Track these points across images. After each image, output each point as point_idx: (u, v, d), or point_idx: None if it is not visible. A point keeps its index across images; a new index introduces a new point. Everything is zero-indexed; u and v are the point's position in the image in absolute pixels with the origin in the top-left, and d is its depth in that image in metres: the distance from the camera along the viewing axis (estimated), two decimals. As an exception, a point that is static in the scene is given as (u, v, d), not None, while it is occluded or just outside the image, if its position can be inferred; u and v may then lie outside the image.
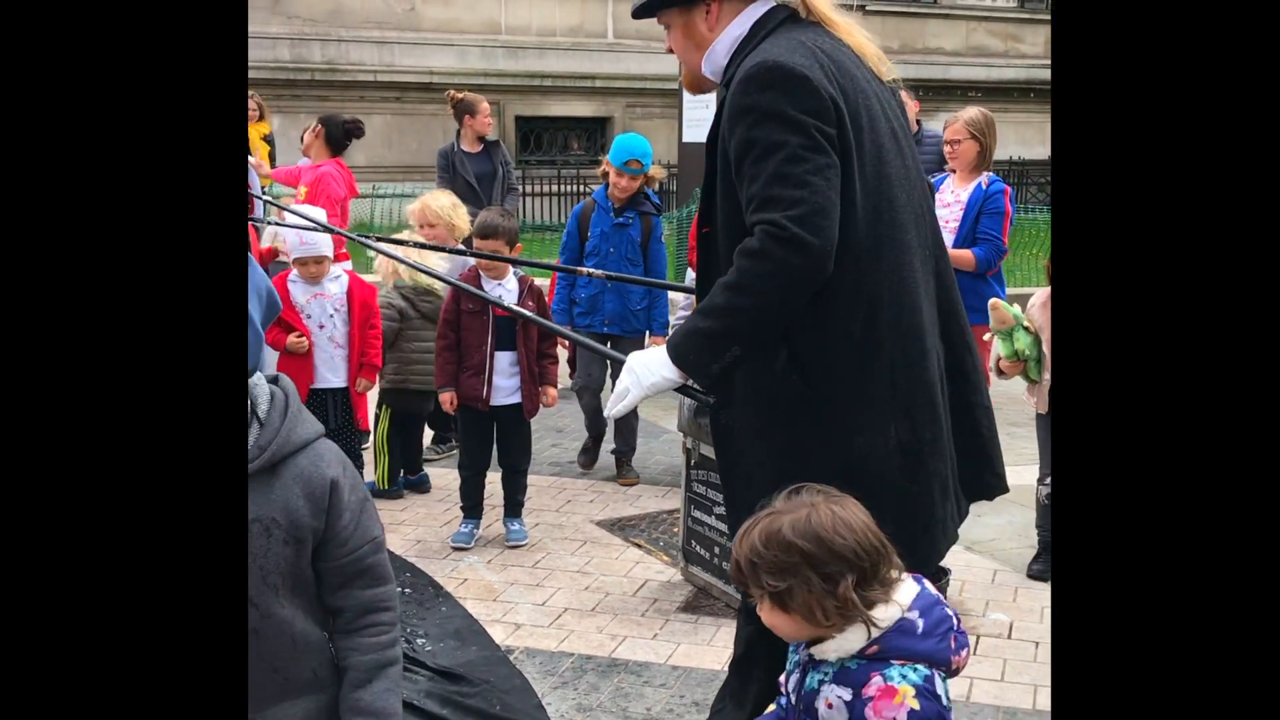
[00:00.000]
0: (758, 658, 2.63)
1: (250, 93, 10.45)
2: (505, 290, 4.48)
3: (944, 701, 1.80)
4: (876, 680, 1.77)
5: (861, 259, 2.16)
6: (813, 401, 2.19)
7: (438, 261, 4.91)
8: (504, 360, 4.50)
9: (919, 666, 1.79)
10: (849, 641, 1.80)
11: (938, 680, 1.80)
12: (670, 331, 4.83)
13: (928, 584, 1.91)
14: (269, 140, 10.30)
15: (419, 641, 3.64)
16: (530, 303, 4.50)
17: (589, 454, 5.60)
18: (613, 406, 2.34)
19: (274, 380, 1.89)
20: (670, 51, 2.48)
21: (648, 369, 2.28)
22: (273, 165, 10.11)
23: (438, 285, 4.90)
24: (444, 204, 5.33)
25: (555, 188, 15.83)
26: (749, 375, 2.23)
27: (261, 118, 10.18)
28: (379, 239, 4.45)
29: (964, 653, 1.87)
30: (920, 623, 1.81)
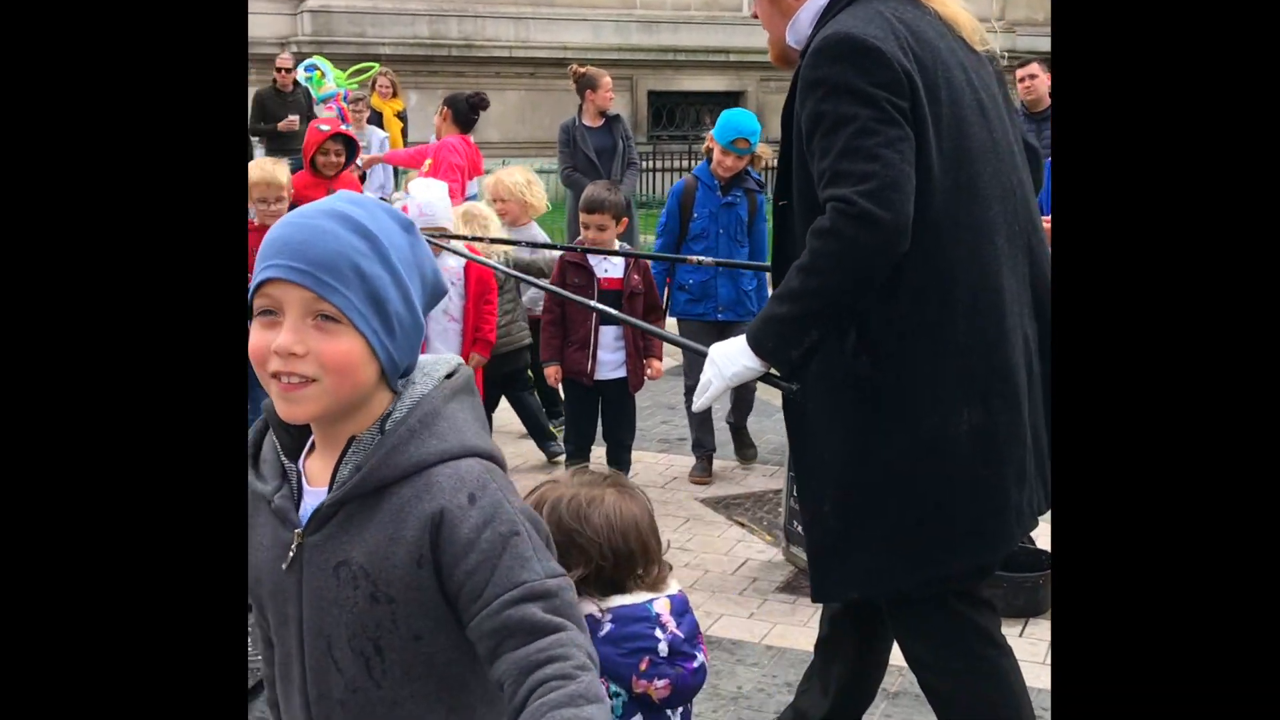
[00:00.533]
0: (841, 639, 2.59)
1: (384, 69, 10.68)
2: (610, 264, 4.47)
3: None
4: None
5: (939, 235, 2.10)
6: (882, 383, 2.15)
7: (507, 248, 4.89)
8: (608, 334, 4.50)
9: None
10: None
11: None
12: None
13: (686, 611, 1.89)
14: (402, 117, 10.49)
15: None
16: (636, 276, 4.47)
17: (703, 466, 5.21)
18: (697, 399, 2.33)
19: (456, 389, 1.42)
20: (755, 17, 2.45)
21: (729, 359, 2.24)
22: (405, 141, 10.32)
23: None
24: (518, 180, 5.30)
25: (687, 163, 15.78)
26: (821, 356, 2.19)
27: (395, 94, 10.38)
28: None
29: (658, 683, 1.83)
30: (608, 628, 1.81)
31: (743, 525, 4.55)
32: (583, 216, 4.49)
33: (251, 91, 11.19)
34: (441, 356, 1.44)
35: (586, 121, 7.53)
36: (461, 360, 1.44)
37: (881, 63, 2.05)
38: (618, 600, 1.84)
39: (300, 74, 10.40)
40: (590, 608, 1.81)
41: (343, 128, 5.92)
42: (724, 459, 5.28)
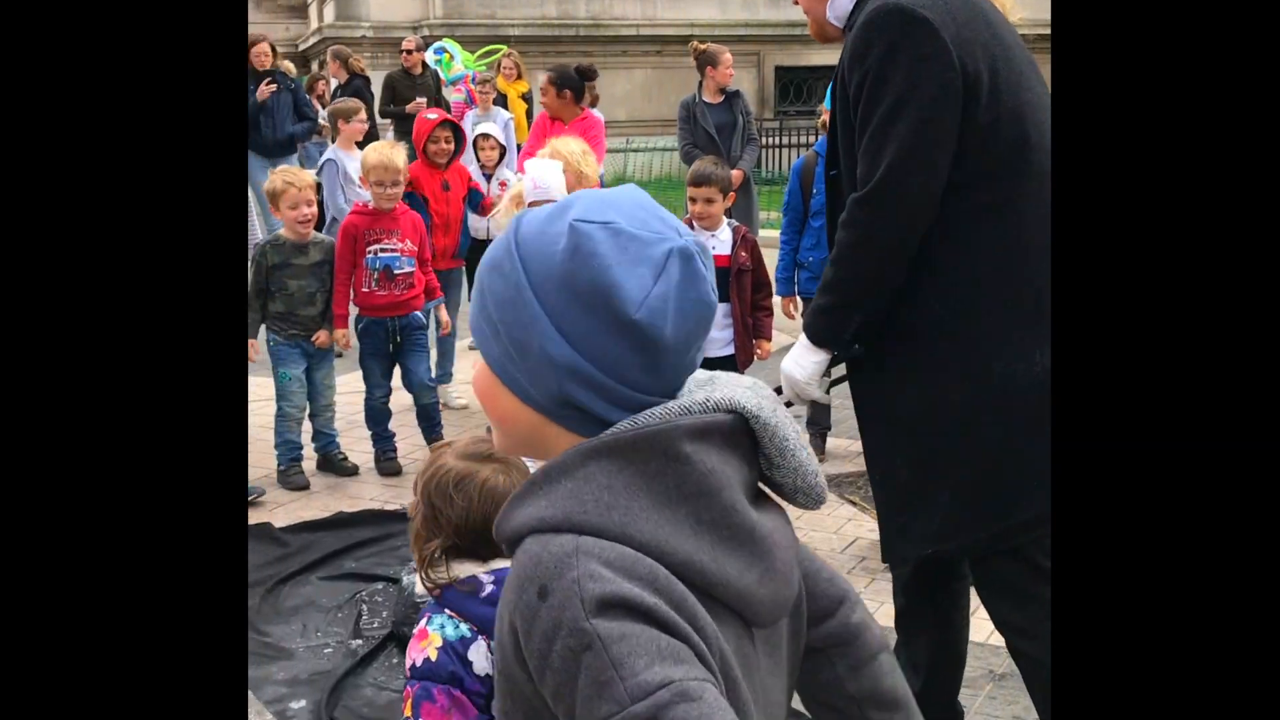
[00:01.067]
0: (919, 610, 2.56)
1: (507, 51, 10.79)
2: (718, 240, 4.44)
3: (472, 668, 1.84)
4: (422, 620, 1.91)
5: (1005, 188, 2.14)
6: (955, 328, 2.17)
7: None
8: (717, 311, 4.46)
9: (464, 626, 1.87)
10: (417, 581, 1.99)
11: (480, 646, 1.85)
12: None
13: None
14: (527, 98, 10.59)
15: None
16: (744, 254, 4.43)
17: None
18: (796, 410, 2.38)
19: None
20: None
21: (798, 365, 2.34)
22: (529, 123, 10.42)
23: None
24: (573, 149, 5.28)
25: (814, 138, 15.59)
26: (892, 310, 2.22)
27: (519, 76, 10.48)
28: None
29: None
30: (489, 589, 1.87)
31: (854, 504, 4.50)
32: (689, 190, 4.48)
33: (381, 75, 11.47)
34: (723, 394, 1.10)
35: (706, 98, 7.50)
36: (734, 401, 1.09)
37: (929, 34, 2.07)
38: (500, 563, 1.88)
39: (429, 57, 10.58)
40: (472, 569, 1.89)
41: (468, 110, 6.03)
42: (838, 437, 5.22)
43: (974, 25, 2.12)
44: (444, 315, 5.34)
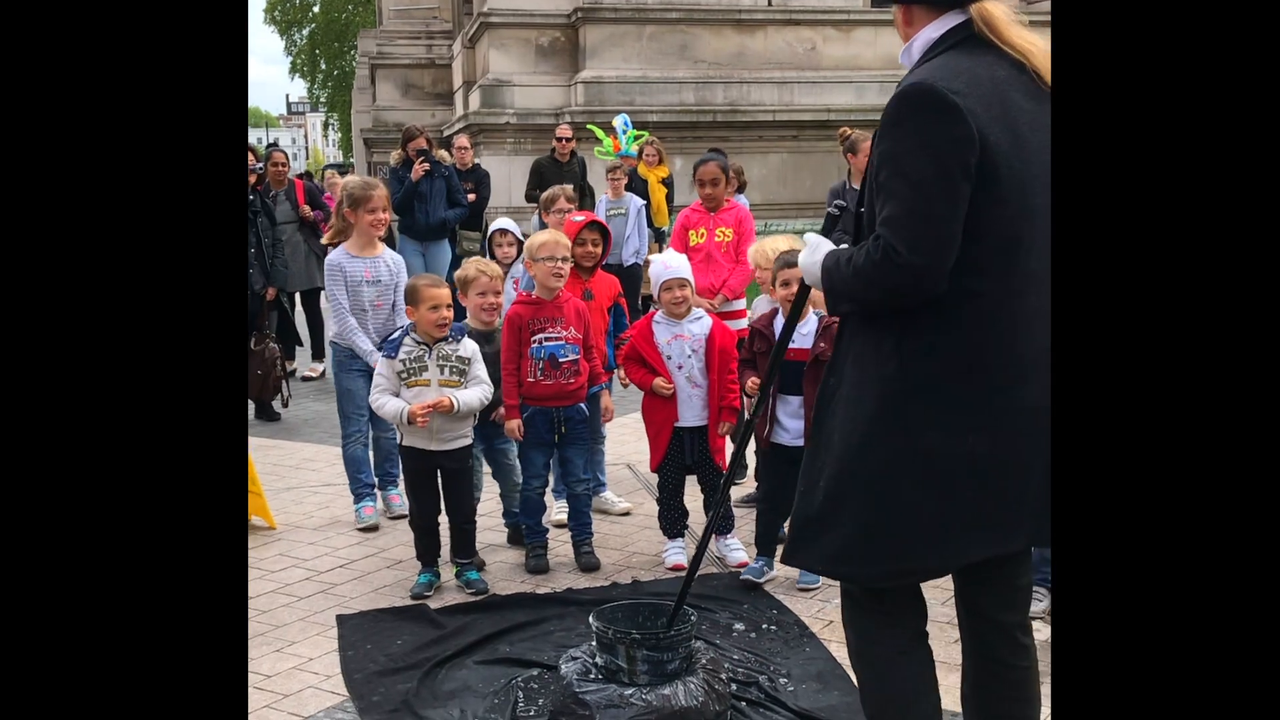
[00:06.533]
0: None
1: (650, 138, 11.02)
2: (800, 332, 4.42)
3: None
4: None
5: (984, 278, 2.25)
6: (901, 389, 2.31)
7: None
8: (792, 403, 4.47)
9: None
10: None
11: None
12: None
13: None
14: (667, 183, 10.79)
15: (781, 681, 3.70)
16: (823, 344, 4.39)
17: None
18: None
19: None
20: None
21: (818, 249, 2.50)
22: (670, 206, 10.60)
23: None
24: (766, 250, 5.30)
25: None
26: (861, 348, 2.38)
27: (660, 162, 10.70)
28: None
29: None
30: None
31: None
32: (782, 273, 4.45)
33: (531, 160, 11.83)
34: None
35: (855, 184, 7.57)
36: None
37: (955, 118, 2.18)
38: None
39: (618, 124, 11.13)
40: None
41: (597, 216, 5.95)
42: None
43: (1001, 123, 2.21)
44: (607, 400, 5.20)
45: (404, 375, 4.56)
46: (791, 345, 4.42)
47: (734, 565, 4.80)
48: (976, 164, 2.19)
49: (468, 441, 4.69)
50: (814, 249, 2.51)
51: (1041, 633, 3.88)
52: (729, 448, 5.21)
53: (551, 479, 5.18)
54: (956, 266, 2.22)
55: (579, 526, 4.99)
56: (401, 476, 5.02)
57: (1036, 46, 2.31)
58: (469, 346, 4.65)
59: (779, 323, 4.54)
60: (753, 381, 4.57)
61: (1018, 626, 2.59)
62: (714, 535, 4.66)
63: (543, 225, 6.18)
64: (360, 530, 5.47)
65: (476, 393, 4.59)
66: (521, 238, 5.67)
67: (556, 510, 5.39)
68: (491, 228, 5.99)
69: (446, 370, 4.57)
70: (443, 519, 4.71)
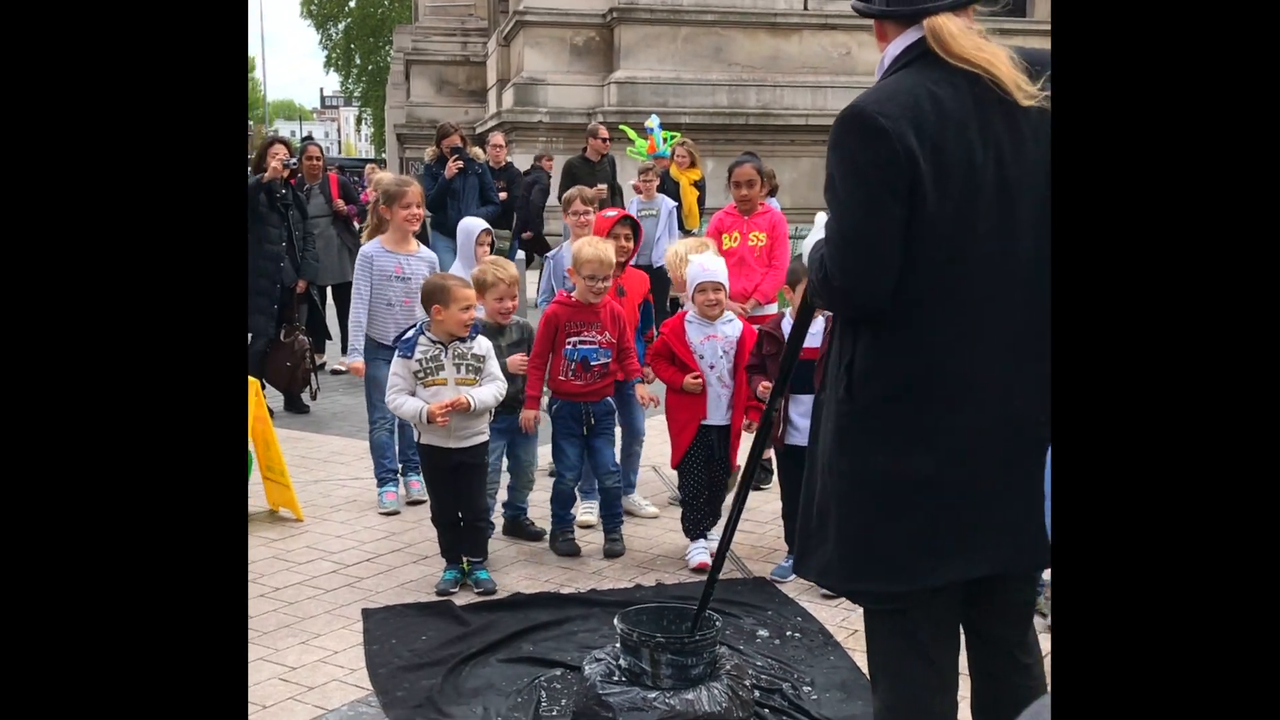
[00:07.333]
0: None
1: (682, 140, 11.02)
2: (811, 331, 4.39)
3: None
4: None
5: (922, 306, 2.25)
6: (851, 410, 2.34)
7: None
8: (804, 402, 4.47)
9: None
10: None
11: None
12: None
13: None
14: (699, 185, 10.78)
15: (805, 689, 3.69)
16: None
17: None
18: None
19: None
20: None
21: (819, 230, 2.65)
22: (701, 209, 10.58)
23: None
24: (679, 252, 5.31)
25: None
26: (835, 351, 2.41)
27: (693, 164, 10.68)
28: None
29: None
30: None
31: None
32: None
33: (563, 160, 11.84)
34: None
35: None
36: None
37: (884, 144, 2.17)
38: None
39: (653, 124, 11.13)
40: None
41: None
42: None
43: (941, 145, 2.19)
44: (643, 391, 5.18)
45: (420, 375, 4.58)
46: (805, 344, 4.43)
47: (694, 565, 4.83)
48: (909, 185, 2.18)
49: (484, 438, 4.72)
50: (817, 231, 2.55)
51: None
52: (743, 448, 5.23)
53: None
54: (898, 288, 2.23)
55: (610, 516, 5.07)
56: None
57: (997, 56, 2.25)
58: (483, 344, 4.69)
59: (787, 324, 4.54)
60: (763, 386, 4.57)
61: (1016, 645, 2.54)
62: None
63: (564, 227, 6.22)
64: (382, 515, 5.57)
65: (492, 390, 4.63)
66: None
67: (583, 510, 5.41)
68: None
69: (463, 369, 4.60)
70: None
